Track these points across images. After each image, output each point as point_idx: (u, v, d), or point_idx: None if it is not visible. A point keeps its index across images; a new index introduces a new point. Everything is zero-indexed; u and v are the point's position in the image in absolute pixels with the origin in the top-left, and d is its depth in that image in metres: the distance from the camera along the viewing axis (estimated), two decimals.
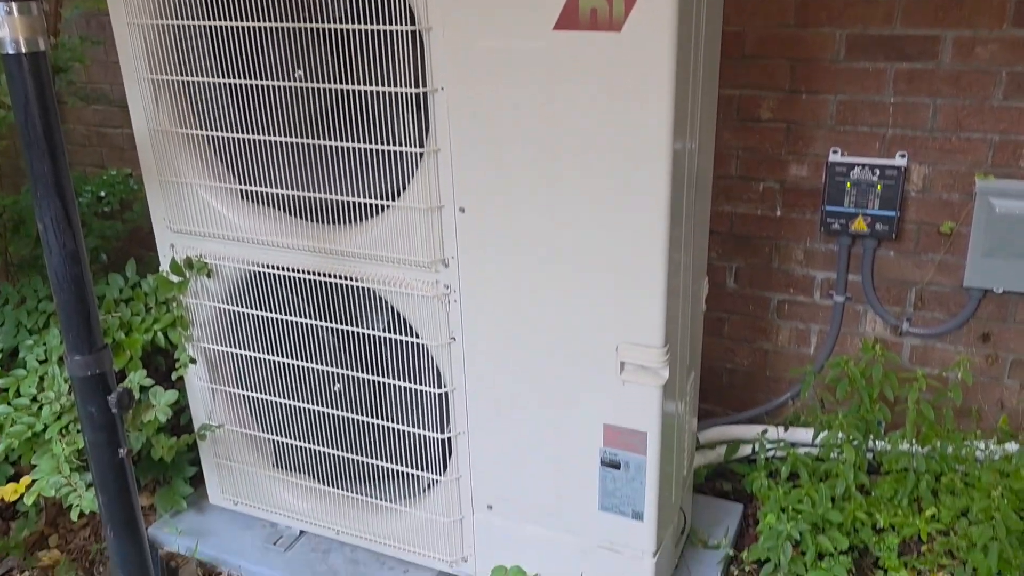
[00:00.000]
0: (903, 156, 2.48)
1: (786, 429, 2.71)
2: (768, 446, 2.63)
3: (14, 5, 1.31)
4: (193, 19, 2.00)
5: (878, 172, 2.49)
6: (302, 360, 2.27)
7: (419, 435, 2.20)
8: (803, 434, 2.67)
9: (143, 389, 2.21)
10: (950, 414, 2.43)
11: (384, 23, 1.81)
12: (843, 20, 2.42)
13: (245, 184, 2.14)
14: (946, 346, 2.63)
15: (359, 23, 1.83)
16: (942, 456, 2.40)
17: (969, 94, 2.37)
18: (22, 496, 2.16)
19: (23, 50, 1.33)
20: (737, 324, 2.87)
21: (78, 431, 2.18)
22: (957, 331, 2.58)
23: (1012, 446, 2.44)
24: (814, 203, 2.62)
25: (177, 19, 2.01)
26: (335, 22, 1.86)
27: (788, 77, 2.53)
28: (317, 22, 1.88)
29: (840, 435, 2.39)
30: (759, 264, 2.76)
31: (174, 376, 2.36)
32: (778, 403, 2.85)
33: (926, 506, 2.36)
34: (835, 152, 2.54)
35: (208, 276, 2.27)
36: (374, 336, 2.15)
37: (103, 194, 3.33)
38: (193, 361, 2.38)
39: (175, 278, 2.28)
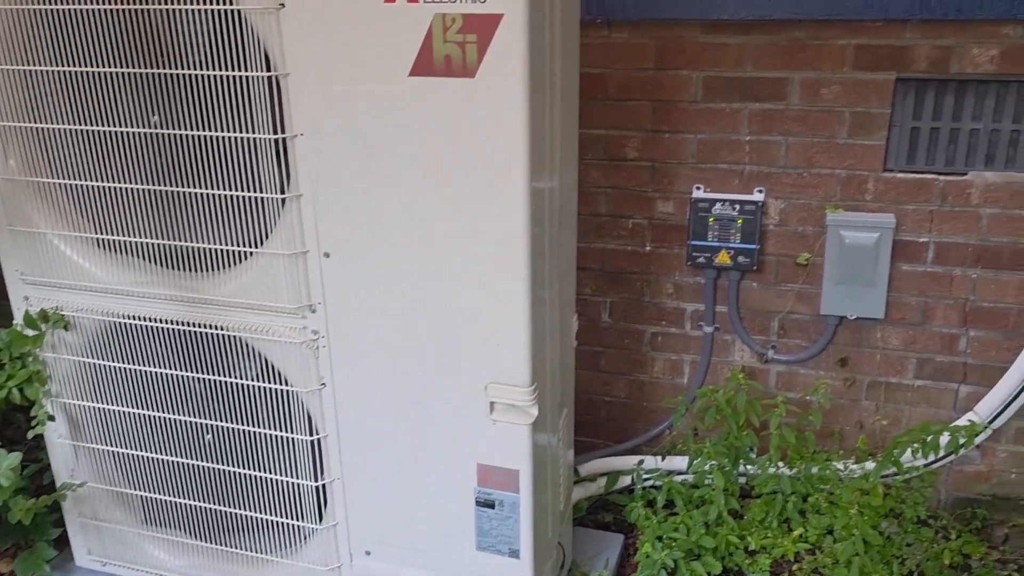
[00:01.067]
0: (760, 192, 2.60)
1: (663, 458, 2.78)
2: (646, 476, 2.68)
3: None
4: (42, 64, 1.93)
5: (738, 207, 2.61)
6: (170, 412, 2.19)
7: (293, 484, 2.16)
8: (680, 462, 2.74)
9: None
10: (812, 437, 2.54)
11: (240, 69, 1.79)
12: (699, 63, 2.54)
13: (102, 233, 2.07)
14: (808, 371, 2.75)
15: (215, 69, 1.81)
16: (807, 477, 2.50)
17: (817, 132, 2.52)
18: None
19: None
20: (613, 357, 2.93)
21: None
22: (817, 357, 2.71)
23: (870, 464, 2.57)
24: (680, 238, 2.72)
25: (25, 64, 1.95)
26: (190, 67, 1.83)
27: (650, 118, 2.63)
28: (172, 67, 1.85)
29: (710, 463, 2.46)
30: (631, 298, 2.84)
31: (31, 434, 2.25)
32: (655, 433, 2.92)
33: (795, 526, 2.45)
34: (698, 188, 2.65)
35: (66, 329, 2.18)
36: (244, 385, 2.10)
37: None
38: (51, 418, 2.27)
39: (30, 332, 2.18)
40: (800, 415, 2.57)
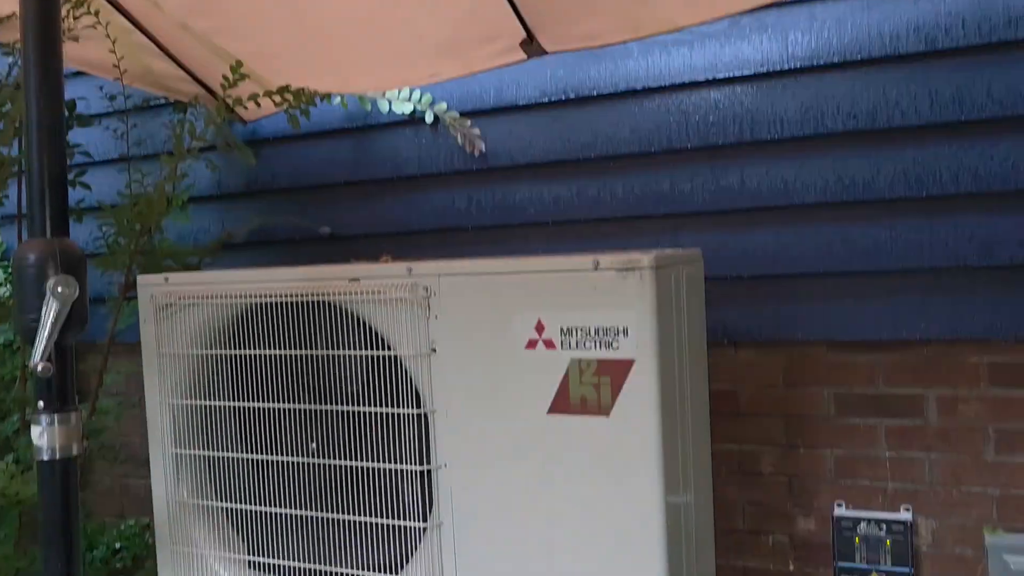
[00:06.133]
0: (907, 510, 2.49)
1: None
2: None
3: (56, 416, 1.46)
4: (221, 400, 2.17)
5: (885, 527, 2.49)
6: None
7: None
8: None
9: None
10: None
11: (393, 406, 1.96)
12: (828, 380, 2.57)
13: (255, 555, 2.18)
14: None
15: (371, 405, 1.98)
16: None
17: (961, 450, 2.44)
18: None
19: (57, 456, 1.46)
20: None
21: None
22: None
23: None
24: (826, 558, 2.59)
25: (207, 400, 2.19)
26: (349, 404, 2.02)
27: (784, 433, 2.64)
28: (332, 404, 2.04)
29: None
30: None
31: None
32: None
33: None
34: (839, 505, 2.56)
35: None
36: None
37: (118, 547, 3.36)
38: None
39: None
40: None
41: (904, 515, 2.49)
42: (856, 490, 2.55)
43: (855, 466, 2.56)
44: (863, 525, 2.52)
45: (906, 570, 2.46)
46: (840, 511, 2.56)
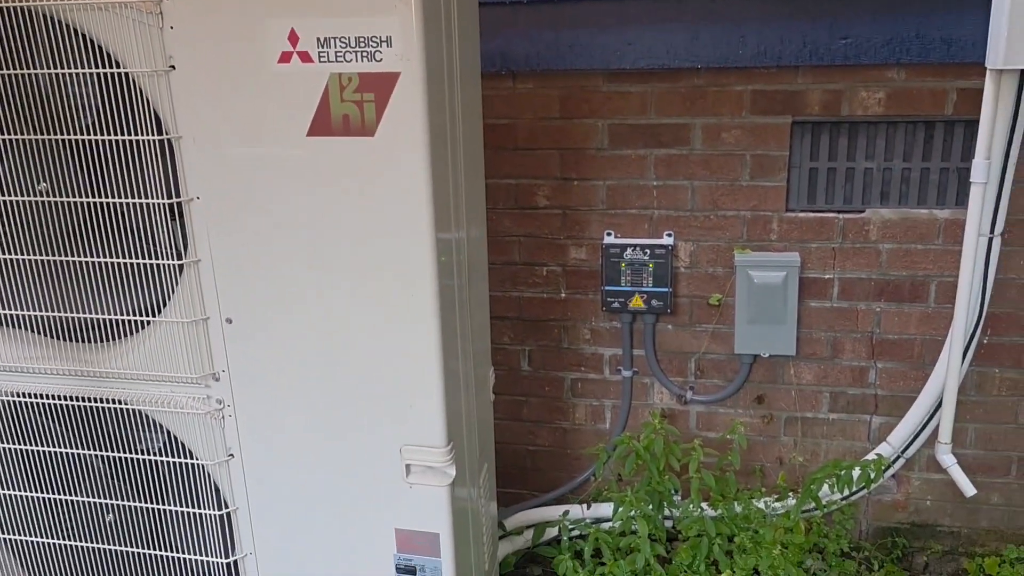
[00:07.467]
0: (670, 235, 2.63)
1: (588, 507, 2.75)
2: (571, 526, 2.65)
3: None
4: None
5: (649, 251, 2.63)
6: (70, 494, 2.07)
7: (203, 562, 2.05)
8: (607, 509, 2.72)
9: None
10: (733, 478, 2.55)
11: (130, 133, 1.73)
12: (603, 112, 2.57)
13: None
14: (727, 410, 2.78)
15: (104, 133, 1.74)
16: (731, 518, 2.50)
17: (720, 175, 2.57)
18: None
19: None
20: (535, 406, 2.91)
21: None
22: (735, 396, 2.74)
23: (792, 501, 2.59)
24: (595, 284, 2.73)
25: None
26: (79, 133, 1.76)
27: (559, 166, 2.65)
28: (60, 133, 1.77)
29: (634, 510, 2.44)
30: (550, 345, 2.83)
31: None
32: (580, 481, 2.90)
33: (722, 568, 2.44)
34: (609, 234, 2.67)
35: None
36: (146, 461, 2.00)
37: None
38: None
39: None
40: (720, 456, 2.58)
41: (666, 240, 2.63)
42: (625, 218, 2.65)
43: (625, 196, 2.64)
44: (629, 251, 2.64)
45: (665, 290, 2.64)
46: (609, 239, 2.66)
